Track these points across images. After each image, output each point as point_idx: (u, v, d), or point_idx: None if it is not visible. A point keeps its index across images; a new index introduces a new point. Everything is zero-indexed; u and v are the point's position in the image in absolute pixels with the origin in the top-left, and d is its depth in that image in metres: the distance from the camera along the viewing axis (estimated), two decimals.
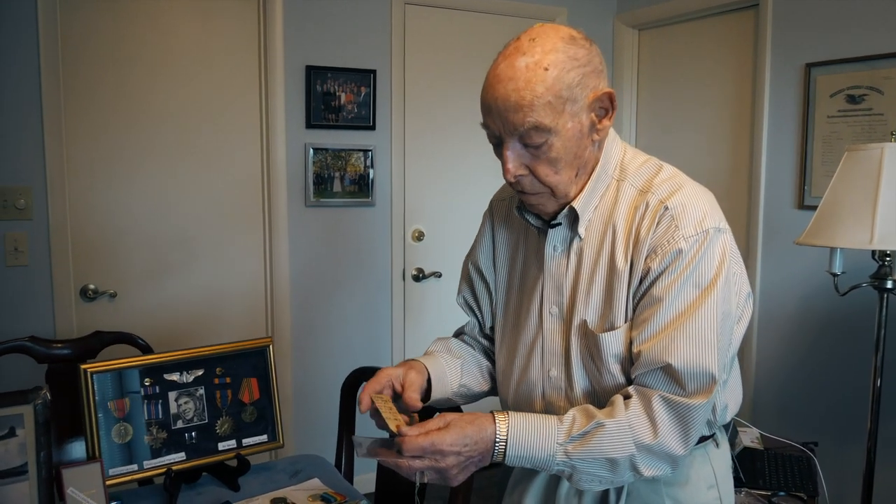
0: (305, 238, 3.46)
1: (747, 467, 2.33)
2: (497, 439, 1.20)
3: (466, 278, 1.57)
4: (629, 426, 1.19)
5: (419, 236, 3.71)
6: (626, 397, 1.23)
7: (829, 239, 2.33)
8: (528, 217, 1.37)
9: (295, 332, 3.47)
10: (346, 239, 3.56)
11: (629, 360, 1.27)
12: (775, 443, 2.55)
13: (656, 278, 1.22)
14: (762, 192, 3.33)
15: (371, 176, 3.55)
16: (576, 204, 1.29)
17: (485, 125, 1.27)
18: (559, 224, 1.33)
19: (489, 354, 1.58)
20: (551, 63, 1.19)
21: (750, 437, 2.55)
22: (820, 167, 3.12)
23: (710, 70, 3.66)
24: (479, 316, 1.56)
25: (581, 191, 1.30)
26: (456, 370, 1.50)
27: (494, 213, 1.53)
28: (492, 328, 1.54)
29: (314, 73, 3.38)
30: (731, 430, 2.39)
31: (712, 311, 1.20)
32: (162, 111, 3.16)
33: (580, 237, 1.31)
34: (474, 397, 1.55)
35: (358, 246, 3.59)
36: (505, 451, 1.20)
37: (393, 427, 1.22)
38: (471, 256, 1.56)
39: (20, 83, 2.86)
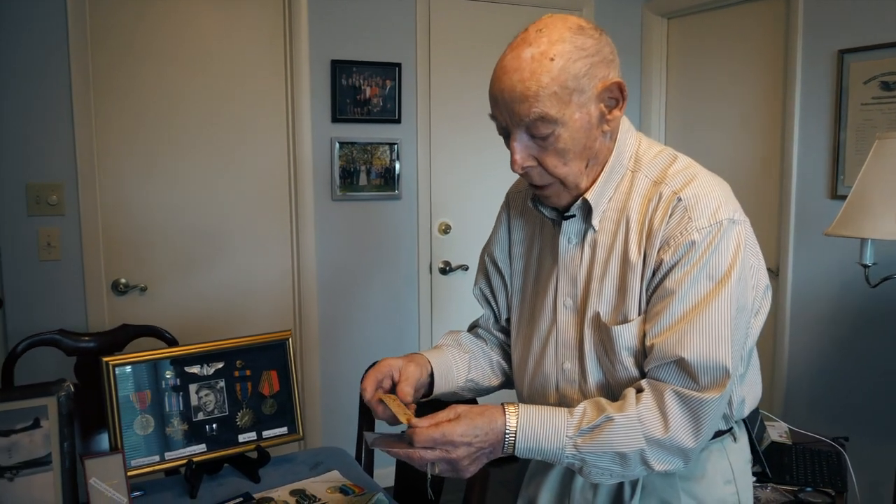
0: (332, 232, 3.48)
1: (774, 462, 2.29)
2: (507, 430, 1.20)
3: (483, 270, 1.57)
4: (639, 420, 1.18)
5: (446, 229, 3.70)
6: (639, 391, 1.22)
7: (858, 229, 2.28)
8: (543, 209, 1.36)
9: (322, 326, 3.49)
10: (373, 232, 3.57)
11: (643, 353, 1.25)
12: (804, 437, 2.50)
13: (669, 270, 1.20)
14: (794, 182, 3.27)
15: (397, 169, 3.55)
16: (589, 196, 1.28)
17: (493, 117, 1.27)
18: (573, 216, 1.32)
19: (503, 348, 1.57)
20: (557, 53, 1.18)
21: (778, 431, 2.51)
22: (854, 156, 3.05)
23: (740, 58, 3.60)
24: (495, 308, 1.55)
25: (594, 182, 1.29)
26: (463, 365, 1.50)
27: (511, 205, 1.53)
28: (508, 320, 1.54)
29: (339, 68, 3.39)
30: (759, 424, 2.35)
31: (726, 304, 1.18)
32: (189, 106, 3.20)
33: (594, 229, 1.30)
34: (484, 392, 1.55)
35: (384, 239, 3.60)
36: (515, 443, 1.20)
37: (403, 419, 1.24)
38: (487, 248, 1.55)
39: (51, 82, 2.91)
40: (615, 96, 1.24)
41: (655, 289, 1.22)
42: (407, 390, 1.33)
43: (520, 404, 1.23)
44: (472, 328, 1.62)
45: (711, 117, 3.77)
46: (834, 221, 2.37)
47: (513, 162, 1.25)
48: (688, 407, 1.18)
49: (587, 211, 1.30)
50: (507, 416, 1.20)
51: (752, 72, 3.54)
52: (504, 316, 1.54)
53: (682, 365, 1.18)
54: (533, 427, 1.19)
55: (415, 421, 1.19)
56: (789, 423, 2.64)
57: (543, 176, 1.27)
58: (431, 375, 1.43)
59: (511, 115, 1.21)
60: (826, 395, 3.19)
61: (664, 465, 1.21)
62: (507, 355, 1.56)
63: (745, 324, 1.25)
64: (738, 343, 1.21)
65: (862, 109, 3.02)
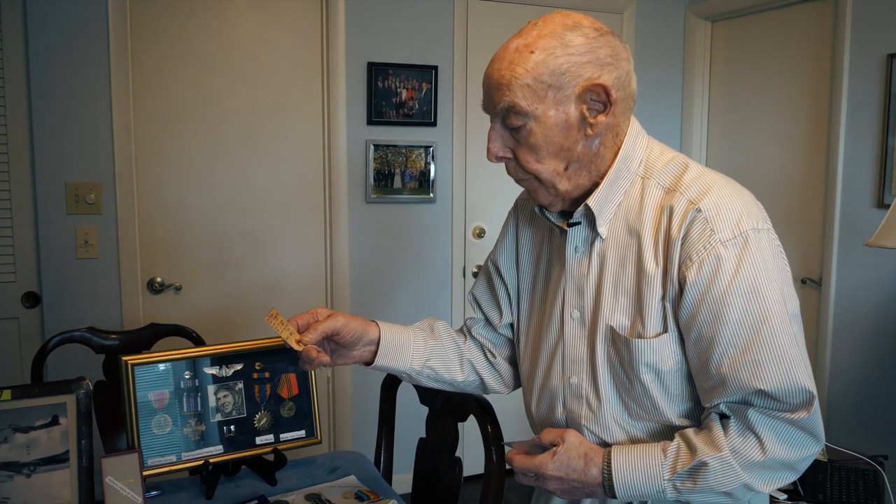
0: (365, 234, 3.47)
1: (808, 480, 2.21)
2: (604, 478, 1.21)
3: (484, 276, 1.54)
4: (733, 454, 1.15)
5: (480, 233, 3.68)
6: (723, 416, 1.18)
7: None
8: (549, 215, 1.32)
9: None
10: (407, 235, 3.56)
11: (681, 373, 1.21)
12: (841, 455, 2.41)
13: (704, 290, 1.13)
14: (839, 190, 3.16)
15: (432, 172, 3.54)
16: (591, 202, 1.23)
17: (482, 105, 1.26)
18: (578, 223, 1.27)
19: (483, 351, 1.53)
20: (540, 47, 1.17)
21: None
22: None
23: (785, 62, 3.50)
24: (489, 314, 1.52)
25: (595, 187, 1.24)
26: (423, 349, 1.46)
27: (519, 212, 1.49)
28: (509, 326, 1.50)
29: (376, 70, 3.39)
30: None
31: (784, 321, 1.13)
32: (226, 108, 3.23)
33: (602, 238, 1.25)
34: (448, 384, 1.51)
35: (418, 242, 3.59)
36: (614, 490, 1.20)
37: (292, 342, 1.33)
38: (491, 255, 1.52)
39: (90, 82, 2.97)
40: (601, 99, 1.18)
41: (693, 311, 1.15)
42: (311, 336, 1.34)
43: (613, 447, 1.23)
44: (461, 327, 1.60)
45: (755, 122, 3.67)
46: (876, 231, 2.29)
47: (487, 150, 1.25)
48: (780, 422, 1.14)
49: (592, 218, 1.25)
50: (604, 463, 1.21)
51: (797, 76, 3.44)
52: (504, 321, 1.49)
53: (762, 395, 1.13)
54: (628, 474, 1.19)
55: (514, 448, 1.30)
56: (828, 439, 2.54)
57: (518, 170, 1.25)
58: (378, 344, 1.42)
59: (488, 101, 1.22)
60: (866, 411, 3.07)
61: (773, 485, 1.18)
62: (485, 357, 1.53)
63: (801, 331, 1.19)
64: (806, 356, 1.16)
65: None
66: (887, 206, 2.91)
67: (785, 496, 2.14)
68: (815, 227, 3.31)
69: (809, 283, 3.33)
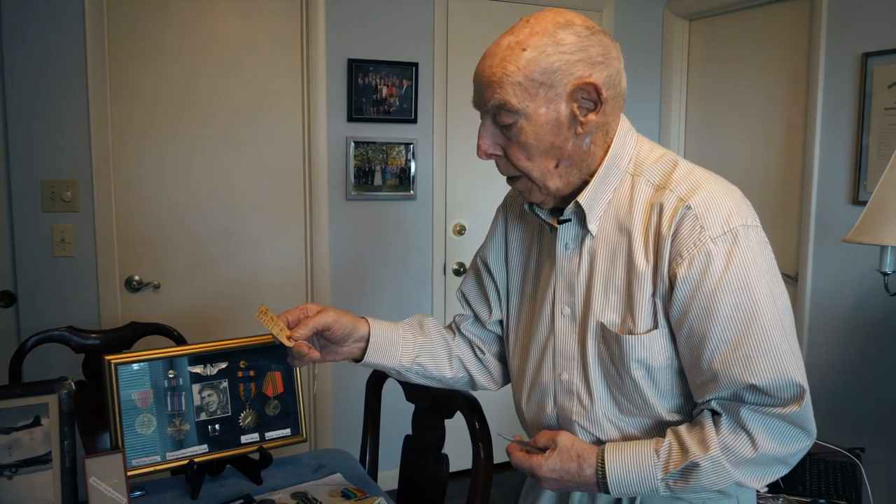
0: (346, 231, 3.46)
1: (788, 473, 2.24)
2: (598, 478, 1.22)
3: (473, 272, 1.54)
4: (724, 452, 1.16)
5: (460, 230, 3.68)
6: (714, 413, 1.19)
7: (877, 236, 2.22)
8: (539, 212, 1.33)
9: None
10: (387, 233, 3.55)
11: (672, 368, 1.21)
12: (820, 448, 2.45)
13: (695, 286, 1.14)
14: (815, 186, 3.20)
15: (412, 169, 3.53)
16: (581, 199, 1.24)
17: (473, 102, 1.26)
18: (568, 220, 1.28)
19: (472, 347, 1.53)
20: (532, 45, 1.16)
21: None
22: (876, 161, 2.98)
23: (762, 60, 3.54)
24: (477, 311, 1.51)
25: (586, 185, 1.24)
26: (412, 346, 1.46)
27: (508, 209, 1.49)
28: (499, 323, 1.50)
29: (356, 67, 3.38)
30: None
31: (775, 315, 1.14)
32: (206, 105, 3.20)
33: (592, 235, 1.26)
34: (437, 381, 1.51)
35: (399, 240, 3.58)
36: (608, 487, 1.21)
37: (283, 338, 1.32)
38: (480, 252, 1.53)
39: (67, 79, 2.92)
40: (591, 98, 1.19)
41: (684, 307, 1.16)
42: (301, 332, 1.33)
43: (606, 445, 1.24)
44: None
45: (732, 120, 3.71)
46: (853, 228, 2.32)
47: (477, 147, 1.25)
48: (771, 417, 1.15)
49: (582, 215, 1.25)
50: (598, 465, 1.22)
51: (774, 74, 3.48)
52: (493, 318, 1.49)
53: (754, 390, 1.14)
54: (622, 473, 1.20)
55: (512, 445, 1.30)
56: None
57: (508, 167, 1.25)
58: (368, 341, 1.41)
59: (479, 98, 1.22)
60: (843, 405, 3.12)
61: (765, 480, 1.19)
62: (474, 354, 1.53)
63: (793, 325, 1.20)
64: (797, 350, 1.17)
65: (885, 114, 2.95)
66: (863, 203, 2.95)
67: (765, 488, 2.17)
68: (791, 224, 3.35)
69: (785, 279, 3.37)
